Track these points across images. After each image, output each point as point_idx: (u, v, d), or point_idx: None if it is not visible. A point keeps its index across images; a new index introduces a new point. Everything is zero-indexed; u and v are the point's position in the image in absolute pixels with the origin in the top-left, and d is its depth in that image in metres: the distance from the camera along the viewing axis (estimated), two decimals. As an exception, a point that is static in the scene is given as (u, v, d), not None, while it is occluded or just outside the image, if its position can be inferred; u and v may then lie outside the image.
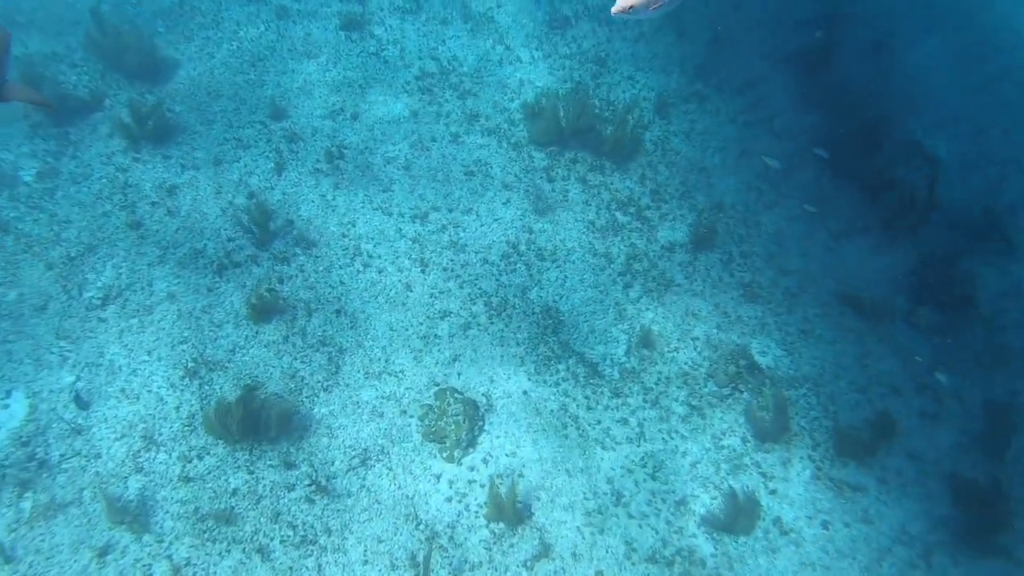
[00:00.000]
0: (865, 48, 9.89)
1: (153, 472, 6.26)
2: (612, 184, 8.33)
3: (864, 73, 9.56)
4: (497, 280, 7.56)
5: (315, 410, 6.69)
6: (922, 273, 7.73)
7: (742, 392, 6.95)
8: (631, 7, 4.62)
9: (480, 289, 7.49)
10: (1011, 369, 7.31)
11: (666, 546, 6.23)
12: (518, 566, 6.21)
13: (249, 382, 6.59)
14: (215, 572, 5.86)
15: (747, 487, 6.38)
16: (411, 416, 6.82)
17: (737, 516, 6.18)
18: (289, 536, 6.07)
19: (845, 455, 6.53)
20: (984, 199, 8.56)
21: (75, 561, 5.84)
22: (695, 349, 7.25)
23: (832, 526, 6.24)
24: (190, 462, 6.34)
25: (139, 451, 6.34)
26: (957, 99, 9.52)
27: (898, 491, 6.35)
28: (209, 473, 6.31)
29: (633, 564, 6.16)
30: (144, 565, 5.85)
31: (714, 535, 6.25)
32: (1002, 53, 10.03)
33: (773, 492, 6.43)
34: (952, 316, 7.56)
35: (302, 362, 6.91)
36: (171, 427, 6.46)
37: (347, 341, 7.06)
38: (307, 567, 5.93)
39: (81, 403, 6.55)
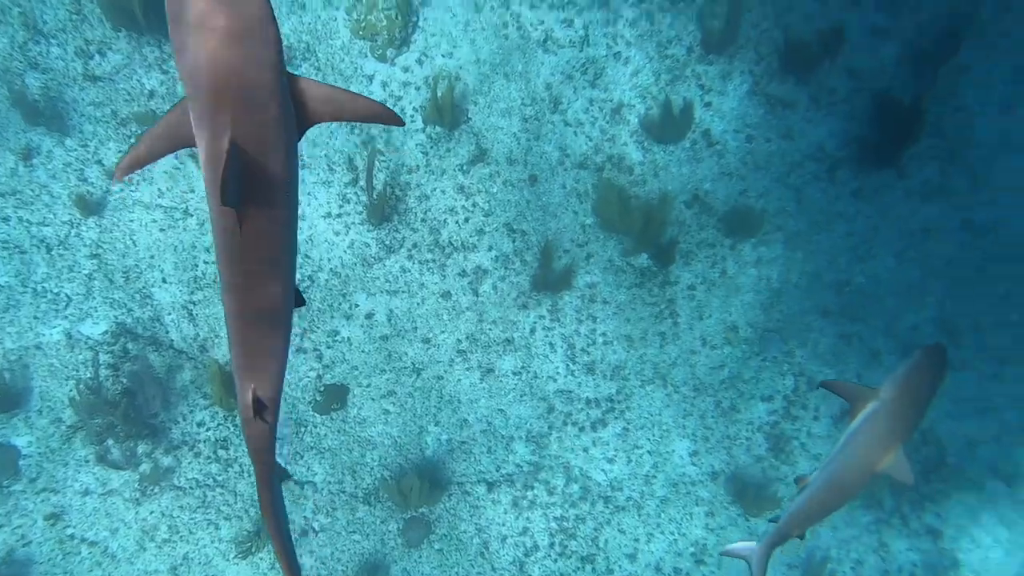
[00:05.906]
0: None
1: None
2: None
3: None
4: None
5: None
6: None
7: (698, -5, 6.43)
8: None
9: None
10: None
11: (598, 153, 6.46)
12: (454, 169, 6.41)
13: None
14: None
15: (684, 98, 6.39)
16: (337, 8, 6.14)
17: (669, 125, 6.32)
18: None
19: (788, 68, 6.44)
20: None
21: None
22: (656, -59, 6.42)
23: (755, 140, 6.51)
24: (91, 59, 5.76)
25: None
26: None
27: (826, 109, 6.48)
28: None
29: (565, 169, 6.45)
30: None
31: (644, 144, 6.46)
32: None
33: (708, 104, 6.48)
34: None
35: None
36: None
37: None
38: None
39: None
